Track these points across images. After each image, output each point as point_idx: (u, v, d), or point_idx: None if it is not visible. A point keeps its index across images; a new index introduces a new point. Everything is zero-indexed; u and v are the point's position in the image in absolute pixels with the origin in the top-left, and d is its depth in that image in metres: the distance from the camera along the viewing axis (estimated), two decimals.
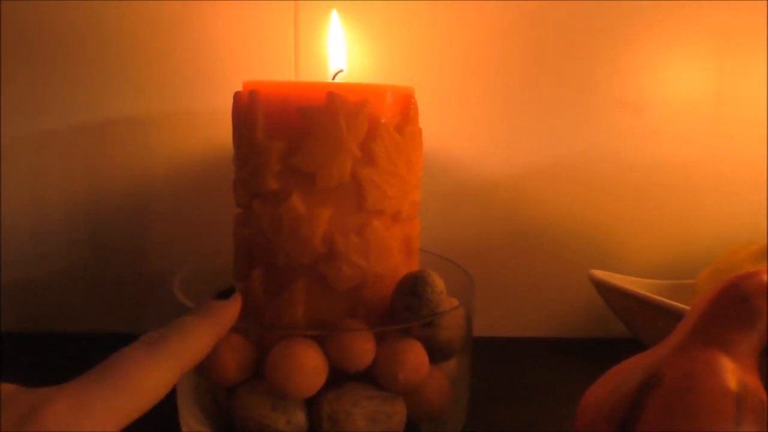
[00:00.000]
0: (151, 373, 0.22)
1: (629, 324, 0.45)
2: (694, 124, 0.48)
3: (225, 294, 0.28)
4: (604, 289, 0.43)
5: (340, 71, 0.35)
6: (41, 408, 0.19)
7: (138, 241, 0.47)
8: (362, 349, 0.28)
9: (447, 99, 0.46)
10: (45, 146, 0.45)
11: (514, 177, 0.47)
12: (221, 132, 0.45)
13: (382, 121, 0.30)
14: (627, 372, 0.26)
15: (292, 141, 0.29)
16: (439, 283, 0.30)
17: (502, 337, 0.49)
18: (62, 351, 0.45)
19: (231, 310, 0.27)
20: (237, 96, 0.32)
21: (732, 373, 0.24)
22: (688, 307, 0.36)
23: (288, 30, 0.44)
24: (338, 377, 0.29)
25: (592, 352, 0.47)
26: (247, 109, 0.30)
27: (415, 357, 0.29)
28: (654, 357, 0.26)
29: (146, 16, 0.43)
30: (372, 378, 0.29)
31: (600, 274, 0.43)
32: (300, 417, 0.28)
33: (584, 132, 0.47)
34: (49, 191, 0.46)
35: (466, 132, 0.47)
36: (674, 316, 0.36)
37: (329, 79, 0.35)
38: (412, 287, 0.30)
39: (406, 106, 0.31)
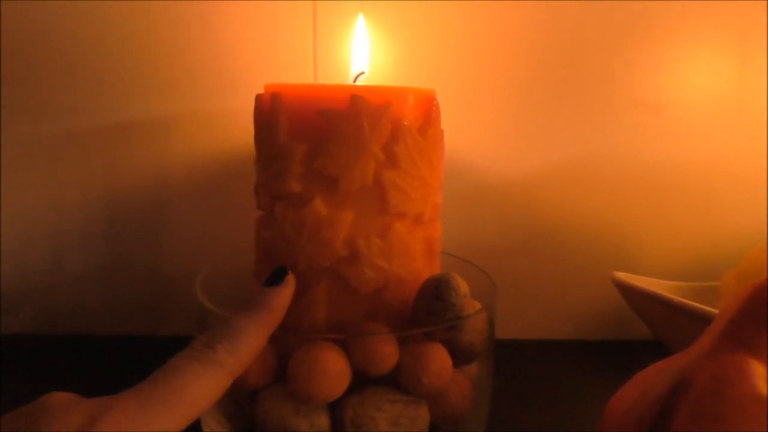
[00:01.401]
0: (203, 385, 0.22)
1: (652, 326, 0.44)
2: (715, 124, 0.47)
3: (276, 277, 0.27)
4: (627, 291, 0.43)
5: (362, 73, 0.34)
6: (99, 419, 0.19)
7: (155, 243, 0.47)
8: (385, 352, 0.28)
9: (466, 100, 0.45)
10: (62, 148, 0.45)
11: (533, 178, 0.47)
12: (240, 133, 0.45)
13: (405, 123, 0.29)
14: (655, 377, 0.26)
15: (315, 144, 0.29)
16: (462, 286, 0.30)
17: (523, 340, 0.49)
18: (81, 353, 0.45)
19: (283, 297, 0.26)
20: (259, 98, 0.32)
21: (763, 377, 0.24)
22: (714, 310, 0.36)
23: (307, 31, 0.44)
24: (361, 381, 0.28)
25: (614, 355, 0.47)
26: (270, 112, 0.30)
27: (438, 361, 0.29)
28: (683, 362, 0.26)
29: (164, 18, 0.44)
30: (395, 382, 0.29)
31: (623, 276, 0.43)
32: (323, 421, 0.28)
33: (604, 133, 0.47)
34: (67, 193, 0.46)
35: (486, 133, 0.46)
36: (700, 319, 0.36)
37: (350, 81, 0.35)
38: (436, 290, 0.29)
39: (429, 108, 0.31)
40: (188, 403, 0.21)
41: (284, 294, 0.26)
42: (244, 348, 0.24)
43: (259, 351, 0.25)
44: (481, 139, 0.46)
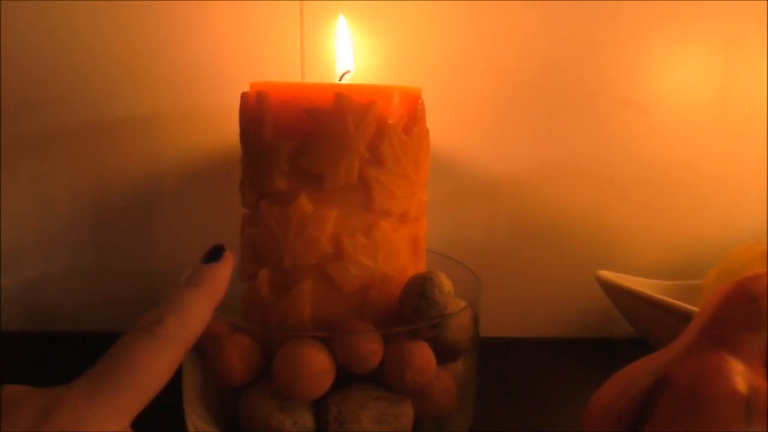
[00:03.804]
0: (156, 360, 0.22)
1: (636, 324, 0.44)
2: (701, 123, 0.48)
3: (214, 254, 0.27)
4: (611, 289, 0.43)
5: (348, 72, 0.35)
6: (54, 408, 0.19)
7: (143, 240, 0.47)
8: (370, 350, 0.28)
9: (453, 99, 0.46)
10: (50, 146, 0.45)
11: (520, 177, 0.47)
12: (226, 131, 0.45)
13: (390, 122, 0.30)
14: (635, 374, 0.26)
15: (300, 142, 0.29)
16: (446, 284, 0.30)
17: (508, 338, 0.49)
18: (68, 350, 0.45)
19: (223, 272, 0.26)
20: (244, 96, 0.32)
21: (741, 375, 0.24)
22: (696, 308, 0.36)
23: (294, 30, 0.44)
24: (345, 378, 0.29)
25: (598, 353, 0.47)
26: (255, 110, 0.30)
27: (422, 358, 0.29)
28: (662, 359, 0.26)
29: (151, 15, 0.43)
30: (379, 379, 0.29)
31: (607, 274, 0.43)
32: (307, 418, 0.28)
33: (590, 131, 0.47)
34: (54, 190, 0.46)
35: (472, 132, 0.46)
36: (682, 317, 0.36)
37: (336, 80, 0.35)
38: (420, 288, 0.30)
39: (414, 106, 0.31)
40: (145, 381, 0.21)
41: (224, 269, 0.26)
42: (192, 320, 0.24)
43: (206, 324, 0.25)
44: (467, 137, 0.46)
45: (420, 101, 0.31)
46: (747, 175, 0.49)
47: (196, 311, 0.24)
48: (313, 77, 0.44)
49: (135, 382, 0.21)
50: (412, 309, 0.30)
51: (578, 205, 0.48)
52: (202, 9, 0.43)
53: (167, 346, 0.22)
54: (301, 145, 0.29)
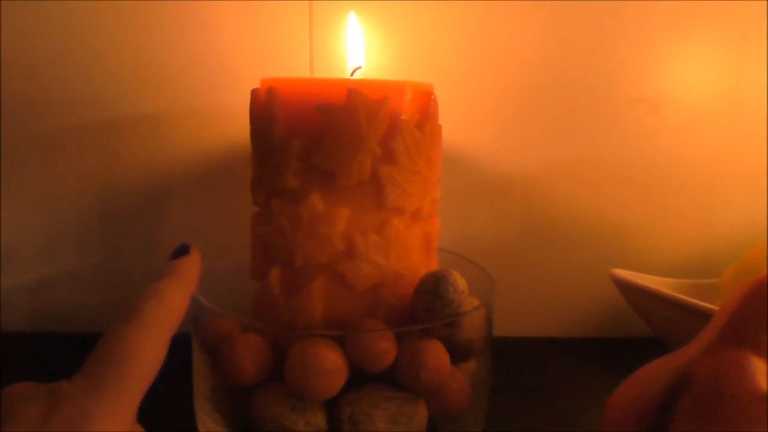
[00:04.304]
0: (143, 346, 0.22)
1: (651, 323, 0.44)
2: (714, 121, 0.47)
3: (180, 252, 0.28)
4: (626, 288, 0.42)
5: (359, 68, 0.34)
6: (58, 405, 0.19)
7: (150, 239, 0.47)
8: (383, 349, 0.28)
9: (466, 96, 0.45)
10: (57, 145, 0.45)
11: (532, 175, 0.47)
12: (235, 130, 0.45)
13: (403, 118, 0.29)
14: (655, 374, 0.26)
15: (312, 139, 0.29)
16: (461, 282, 0.30)
17: (522, 337, 0.48)
18: (74, 351, 0.44)
19: (193, 264, 0.27)
20: (255, 93, 0.32)
21: (763, 374, 0.24)
22: (714, 307, 0.35)
23: (303, 27, 0.44)
24: (358, 378, 0.28)
25: (612, 352, 0.47)
26: (266, 107, 0.30)
27: (436, 357, 0.28)
28: (683, 358, 0.25)
29: (160, 13, 0.43)
30: (393, 379, 0.29)
31: (622, 272, 0.43)
32: (320, 419, 0.28)
33: (603, 129, 0.47)
34: (62, 190, 0.46)
35: (485, 129, 0.46)
36: (699, 315, 0.36)
37: (347, 76, 0.34)
38: (434, 287, 0.29)
39: (426, 102, 0.31)
40: (140, 367, 0.22)
41: (192, 260, 0.27)
42: (169, 302, 0.24)
43: (184, 307, 0.25)
44: (479, 134, 0.46)
45: (433, 97, 0.31)
46: (762, 172, 0.48)
47: (171, 294, 0.25)
48: (323, 74, 0.44)
49: (131, 370, 0.21)
50: (426, 308, 0.29)
51: (590, 203, 0.48)
52: (210, 6, 0.43)
53: (152, 329, 0.23)
54: (312, 143, 0.29)
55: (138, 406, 0.21)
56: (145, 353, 0.22)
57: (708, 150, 0.48)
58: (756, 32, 0.46)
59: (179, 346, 0.23)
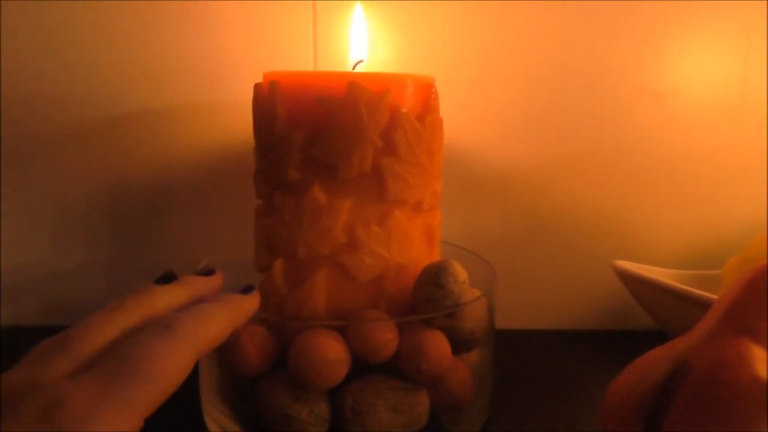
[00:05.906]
0: (169, 360, 0.21)
1: (654, 315, 0.44)
2: (719, 113, 0.47)
3: (245, 291, 0.27)
4: (629, 279, 0.43)
5: (361, 61, 0.34)
6: (61, 403, 0.18)
7: (158, 234, 0.47)
8: (385, 339, 0.28)
9: (467, 88, 0.45)
10: (65, 141, 0.45)
11: (534, 167, 0.47)
12: (240, 124, 0.45)
13: (403, 110, 0.29)
14: (654, 361, 0.26)
15: (313, 131, 0.29)
16: (461, 273, 0.30)
17: (524, 330, 0.48)
18: None
19: (250, 302, 0.26)
20: (257, 87, 0.32)
21: (762, 362, 0.24)
22: (716, 297, 0.35)
23: (306, 21, 0.44)
24: (361, 369, 0.29)
25: (615, 344, 0.47)
26: (268, 100, 0.30)
27: (438, 348, 0.29)
28: (682, 346, 0.25)
29: (164, 8, 0.43)
30: (395, 369, 0.29)
31: (625, 264, 0.43)
32: (323, 408, 0.28)
33: (607, 121, 0.47)
34: (69, 185, 0.46)
35: (487, 122, 0.46)
36: (702, 306, 0.36)
37: (349, 69, 0.35)
38: (435, 277, 0.29)
39: (427, 95, 0.31)
40: (159, 378, 0.20)
41: (252, 300, 0.27)
42: (211, 328, 0.23)
43: (222, 339, 0.24)
44: (482, 127, 0.46)
45: (433, 90, 0.31)
46: (765, 165, 0.48)
47: (217, 322, 0.24)
48: (325, 68, 0.44)
49: (148, 378, 0.20)
50: (427, 298, 0.30)
51: (594, 195, 0.48)
52: (215, 2, 0.43)
53: (182, 347, 0.21)
54: (314, 135, 0.29)
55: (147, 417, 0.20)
56: (165, 369, 0.20)
57: (712, 143, 0.47)
58: (762, 25, 0.45)
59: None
